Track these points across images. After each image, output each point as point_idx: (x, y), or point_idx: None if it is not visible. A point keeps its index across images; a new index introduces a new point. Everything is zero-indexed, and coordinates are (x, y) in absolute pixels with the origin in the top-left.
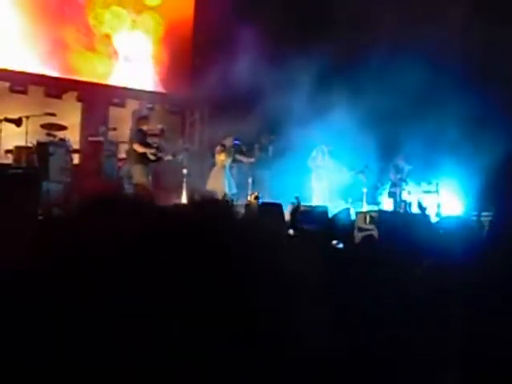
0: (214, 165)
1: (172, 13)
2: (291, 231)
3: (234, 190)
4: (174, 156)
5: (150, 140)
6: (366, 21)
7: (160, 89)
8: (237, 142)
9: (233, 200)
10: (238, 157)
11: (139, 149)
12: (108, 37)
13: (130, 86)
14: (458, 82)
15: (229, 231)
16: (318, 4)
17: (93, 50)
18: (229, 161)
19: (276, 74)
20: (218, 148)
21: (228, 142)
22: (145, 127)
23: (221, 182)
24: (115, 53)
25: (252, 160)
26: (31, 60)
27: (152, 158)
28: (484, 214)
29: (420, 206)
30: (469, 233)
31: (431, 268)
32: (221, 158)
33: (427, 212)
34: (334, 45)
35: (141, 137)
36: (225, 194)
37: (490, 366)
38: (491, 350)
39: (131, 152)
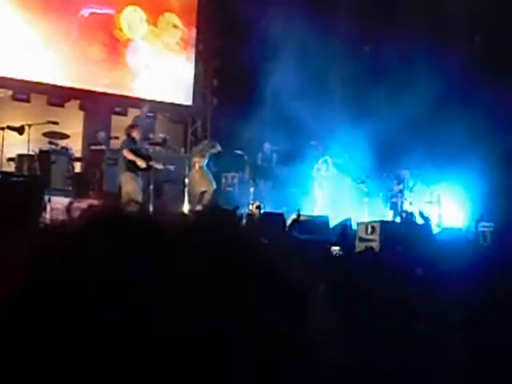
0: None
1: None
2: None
3: (214, 186)
4: (163, 165)
5: (150, 148)
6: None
7: (169, 97)
8: (239, 151)
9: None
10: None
11: (129, 156)
12: (125, 44)
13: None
14: (462, 92)
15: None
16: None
17: (110, 59)
18: (204, 161)
19: (278, 85)
20: (193, 154)
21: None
22: (134, 135)
23: (206, 183)
24: (130, 61)
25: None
26: (34, 68)
27: (142, 165)
28: (485, 224)
29: (422, 215)
30: (469, 245)
31: (430, 279)
32: (196, 160)
33: (430, 222)
34: (335, 58)
35: (130, 144)
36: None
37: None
38: (492, 358)
39: (120, 159)
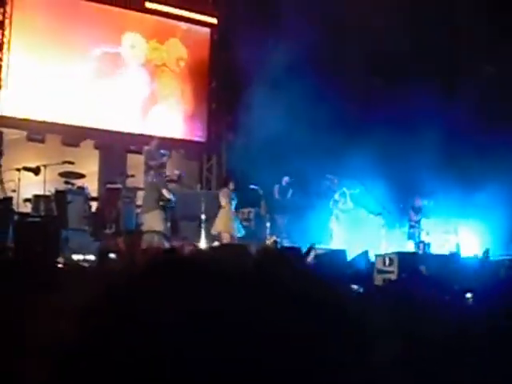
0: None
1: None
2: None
3: (241, 233)
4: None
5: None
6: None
7: (184, 134)
8: (254, 186)
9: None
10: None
11: (168, 195)
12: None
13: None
14: (481, 125)
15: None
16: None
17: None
18: (233, 203)
19: (292, 119)
20: (223, 191)
21: (231, 185)
22: (164, 171)
23: (228, 225)
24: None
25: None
26: (49, 109)
27: (172, 204)
28: (503, 255)
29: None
30: (488, 273)
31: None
32: (225, 199)
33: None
34: (347, 91)
35: (166, 183)
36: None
37: None
38: None
39: (151, 197)
